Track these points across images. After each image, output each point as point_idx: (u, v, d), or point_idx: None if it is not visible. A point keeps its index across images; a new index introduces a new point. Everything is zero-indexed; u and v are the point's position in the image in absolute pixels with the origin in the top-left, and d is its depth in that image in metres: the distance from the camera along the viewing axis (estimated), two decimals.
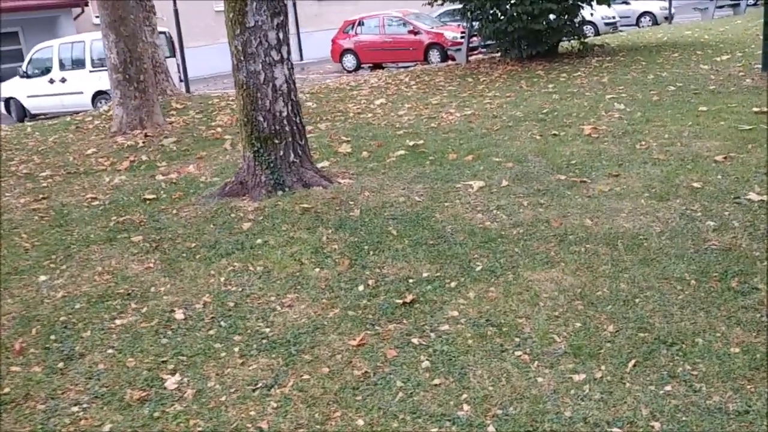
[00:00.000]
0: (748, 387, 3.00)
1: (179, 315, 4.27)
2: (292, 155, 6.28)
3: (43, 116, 16.34)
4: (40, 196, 7.54)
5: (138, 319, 4.30)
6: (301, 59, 26.93)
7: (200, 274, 4.87)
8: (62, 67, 15.89)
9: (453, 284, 4.30)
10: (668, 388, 3.06)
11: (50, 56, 15.97)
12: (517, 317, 3.81)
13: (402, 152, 7.73)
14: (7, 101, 16.89)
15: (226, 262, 5.04)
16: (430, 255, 4.77)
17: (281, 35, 6.09)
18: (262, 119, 6.16)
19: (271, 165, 6.23)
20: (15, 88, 16.66)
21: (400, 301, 4.11)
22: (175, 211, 6.25)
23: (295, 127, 6.29)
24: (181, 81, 16.38)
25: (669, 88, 9.75)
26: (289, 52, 6.21)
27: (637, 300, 3.87)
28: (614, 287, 4.04)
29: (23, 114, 16.56)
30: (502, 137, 8.06)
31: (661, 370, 3.21)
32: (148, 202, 6.75)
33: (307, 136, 9.34)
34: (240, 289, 4.56)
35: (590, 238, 4.79)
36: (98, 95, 15.37)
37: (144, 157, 9.09)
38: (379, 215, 5.61)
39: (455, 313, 3.91)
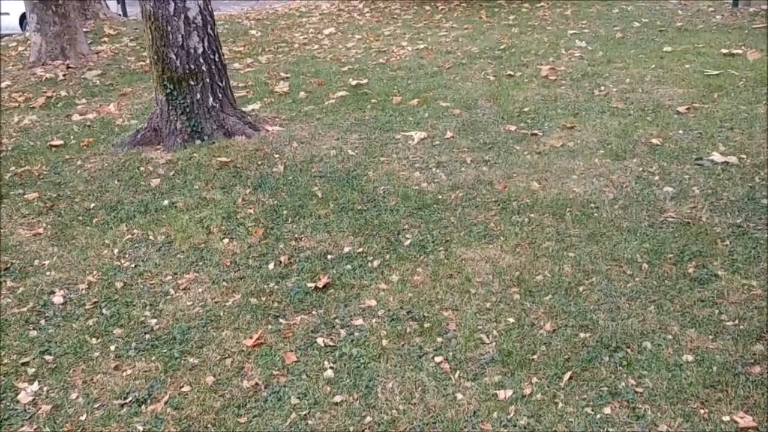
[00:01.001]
0: (701, 412, 2.54)
1: (58, 298, 3.67)
2: (211, 99, 5.58)
3: None
4: None
5: (10, 302, 3.68)
6: None
7: (93, 244, 4.24)
8: None
9: (376, 263, 3.75)
10: (607, 411, 2.59)
11: None
12: (443, 309, 3.29)
13: (343, 93, 7.04)
14: None
15: (125, 228, 4.42)
16: (356, 224, 4.20)
17: None
18: (174, 57, 5.41)
19: (187, 110, 5.53)
20: None
21: (312, 285, 3.56)
22: (80, 162, 5.54)
23: (213, 66, 5.56)
24: (118, 3, 15.18)
25: (634, 24, 9.11)
26: None
27: (581, 288, 3.37)
28: (557, 271, 3.53)
29: None
30: (454, 77, 7.40)
31: (600, 384, 2.73)
32: (53, 149, 6.02)
33: (246, 70, 8.60)
34: (133, 265, 3.96)
35: (536, 205, 4.26)
36: (26, 18, 14.14)
37: (63, 93, 8.24)
38: (305, 172, 4.99)
39: (373, 303, 3.37)
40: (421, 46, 9.25)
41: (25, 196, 5.01)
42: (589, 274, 3.48)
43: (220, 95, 5.63)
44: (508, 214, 4.19)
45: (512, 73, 7.30)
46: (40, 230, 4.49)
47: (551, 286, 3.40)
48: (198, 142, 5.53)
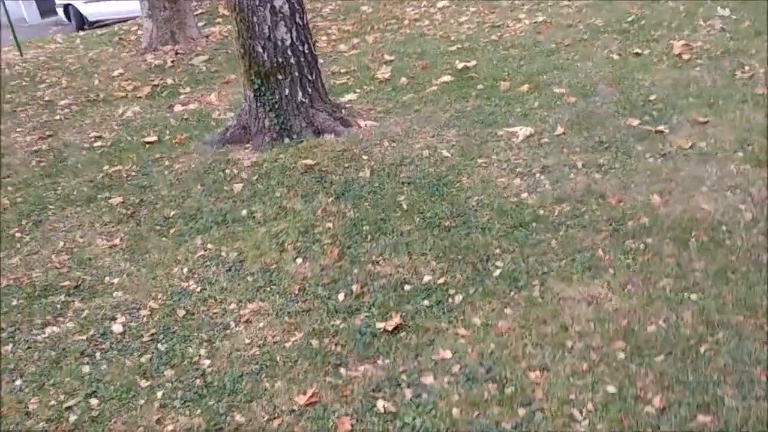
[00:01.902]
0: None
1: (118, 326, 3.47)
2: (300, 94, 5.22)
3: (100, 23, 15.67)
4: (47, 133, 6.84)
5: (73, 327, 3.52)
6: None
7: (165, 260, 4.03)
8: None
9: (458, 299, 3.26)
10: None
11: None
12: (530, 368, 2.76)
13: (447, 78, 6.49)
14: (66, 8, 16.24)
15: (199, 241, 4.17)
16: (441, 245, 3.71)
17: None
18: (260, 50, 5.09)
19: (275, 106, 5.21)
20: None
21: (382, 326, 3.13)
22: (168, 162, 5.39)
23: (302, 59, 5.19)
24: None
25: None
26: None
27: (703, 348, 2.73)
28: (674, 320, 2.90)
29: (82, 22, 15.90)
30: (572, 56, 6.64)
31: None
32: (147, 146, 5.91)
33: (351, 52, 8.22)
34: (200, 288, 3.69)
35: (654, 226, 3.59)
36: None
37: (169, 80, 8.22)
38: (392, 177, 4.55)
39: (447, 354, 2.90)
40: (540, 19, 8.46)
41: (110, 201, 4.89)
42: (714, 327, 2.83)
43: (309, 90, 5.26)
44: (621, 237, 3.55)
45: (639, 50, 6.44)
46: (117, 241, 4.34)
47: (665, 343, 2.78)
48: (286, 140, 5.21)
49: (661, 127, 4.66)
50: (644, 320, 2.93)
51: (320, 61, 7.93)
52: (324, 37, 9.29)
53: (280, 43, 5.07)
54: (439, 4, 10.37)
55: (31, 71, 10.21)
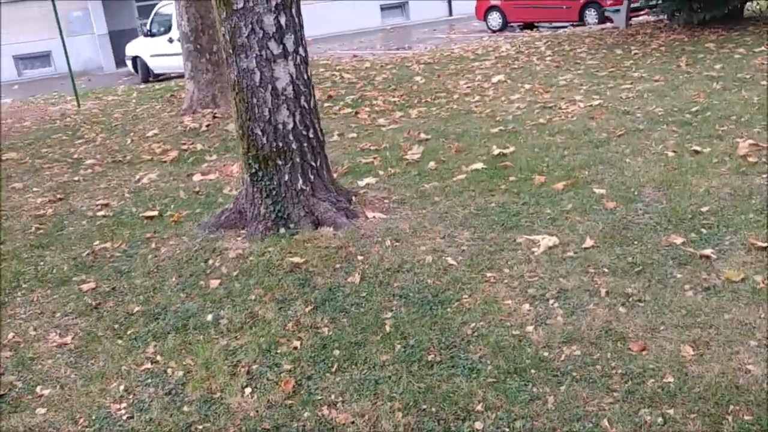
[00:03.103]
0: None
1: None
2: (301, 181, 4.71)
3: (164, 76, 15.89)
4: (59, 195, 6.58)
5: None
6: (450, 15, 24.86)
7: (108, 370, 3.52)
8: None
9: None
10: None
11: (171, 14, 15.31)
12: None
13: (479, 165, 5.91)
14: (134, 59, 16.58)
15: (152, 349, 3.65)
16: (415, 389, 3.06)
17: (283, 20, 4.47)
18: (260, 132, 4.63)
19: (273, 193, 4.71)
20: (139, 47, 16.28)
21: None
22: (155, 245, 4.95)
23: (305, 144, 4.70)
24: None
25: None
26: (298, 43, 4.57)
27: None
28: None
29: (147, 73, 16.18)
30: (623, 149, 5.96)
31: None
32: (145, 221, 5.52)
33: (390, 127, 7.74)
34: (127, 416, 3.15)
35: (680, 392, 2.85)
36: None
37: (199, 146, 7.93)
38: (384, 287, 3.94)
39: None
40: (596, 103, 7.82)
41: (83, 286, 4.46)
42: None
43: (312, 177, 4.75)
44: (636, 403, 2.82)
45: (699, 148, 5.71)
46: (69, 338, 3.87)
47: None
48: (282, 230, 4.69)
49: (708, 251, 3.91)
50: None
51: (352, 135, 7.51)
52: (367, 109, 8.89)
53: (281, 126, 4.60)
54: (495, 79, 9.89)
55: (77, 125, 10.21)
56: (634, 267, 3.88)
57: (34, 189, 6.91)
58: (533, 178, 5.48)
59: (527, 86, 9.25)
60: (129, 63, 16.99)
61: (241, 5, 4.38)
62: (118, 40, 20.10)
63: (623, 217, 4.55)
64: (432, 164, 6.13)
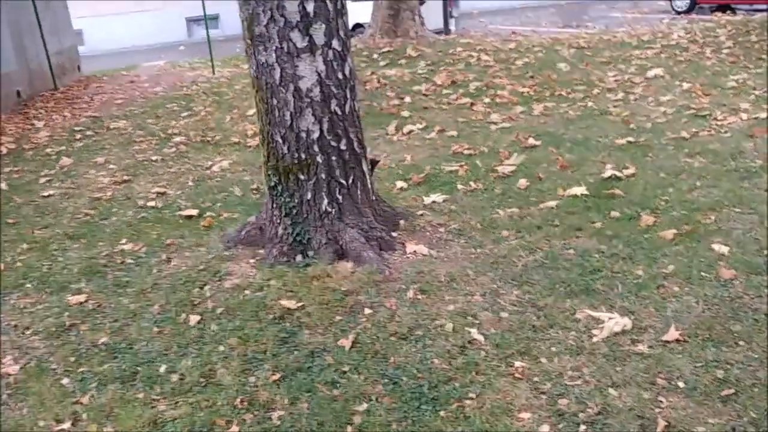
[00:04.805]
0: None
1: None
2: (326, 201, 3.89)
3: None
4: (127, 177, 6.25)
5: None
6: None
7: (24, 424, 2.94)
8: None
9: None
10: None
11: None
12: None
13: (579, 191, 4.76)
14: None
15: (87, 400, 3.05)
16: None
17: (311, 6, 3.61)
18: (280, 140, 3.85)
19: (293, 212, 3.94)
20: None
21: None
22: (167, 255, 4.36)
23: (334, 158, 3.86)
24: (452, 17, 14.11)
25: None
26: (332, 34, 3.70)
27: None
28: None
29: None
30: None
31: None
32: (181, 222, 4.98)
33: (501, 125, 6.64)
34: None
35: None
36: (356, 28, 13.97)
37: None
38: (377, 360, 3.05)
39: None
40: (764, 115, 6.23)
41: (73, 298, 3.96)
42: None
43: (340, 197, 3.91)
44: None
45: None
46: (17, 368, 3.36)
47: None
48: (299, 257, 3.92)
49: None
50: None
51: (452, 133, 6.51)
52: (487, 100, 7.82)
53: (304, 135, 3.78)
54: (650, 73, 8.41)
55: (196, 95, 10.01)
56: (722, 386, 2.67)
57: (110, 166, 6.64)
58: (639, 218, 4.26)
59: (685, 86, 7.69)
60: None
61: None
62: None
63: (737, 298, 3.28)
64: (523, 182, 5.05)
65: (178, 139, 7.36)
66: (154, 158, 6.76)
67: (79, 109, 10.01)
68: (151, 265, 4.25)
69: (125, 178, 6.18)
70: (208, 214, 5.01)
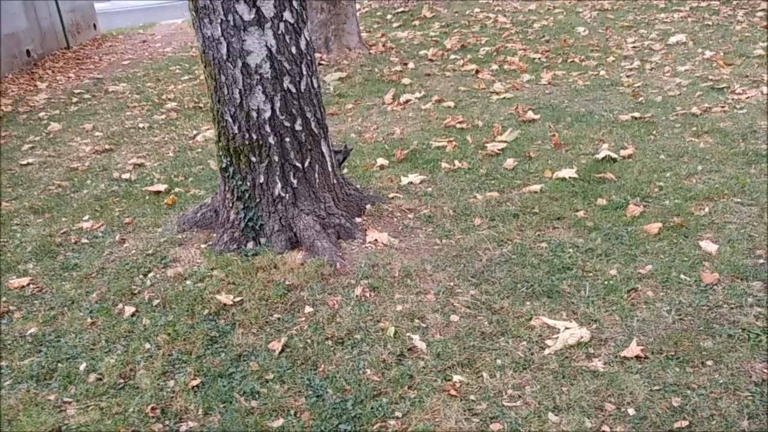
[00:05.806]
0: None
1: None
2: (279, 186, 3.61)
3: None
4: (109, 145, 6.05)
5: None
6: None
7: None
8: None
9: None
10: None
11: None
12: None
13: (568, 173, 4.41)
14: None
15: (12, 402, 2.86)
16: None
17: None
18: (230, 119, 3.56)
19: (245, 196, 3.67)
20: None
21: None
22: (120, 236, 4.14)
23: (289, 139, 3.56)
24: None
25: None
26: (283, 5, 3.37)
27: None
28: None
29: None
30: None
31: None
32: (147, 198, 4.75)
33: (503, 96, 6.25)
34: None
35: None
36: None
37: None
38: (306, 369, 2.80)
39: None
40: None
41: (15, 281, 3.78)
42: None
43: (295, 181, 3.63)
44: None
45: None
46: None
47: None
48: (250, 245, 3.67)
49: None
50: None
51: (449, 104, 6.16)
52: (494, 67, 7.41)
53: (255, 114, 3.49)
54: (673, 39, 7.87)
55: (198, 58, 9.72)
56: (676, 417, 2.36)
57: (97, 133, 6.45)
58: (626, 208, 3.89)
59: (708, 53, 7.16)
60: None
61: None
62: None
63: (715, 307, 2.94)
64: (511, 161, 4.70)
65: (170, 105, 7.13)
66: (141, 126, 6.55)
67: (86, 69, 9.84)
68: (103, 246, 4.04)
69: (107, 147, 5.98)
70: (176, 190, 4.79)
